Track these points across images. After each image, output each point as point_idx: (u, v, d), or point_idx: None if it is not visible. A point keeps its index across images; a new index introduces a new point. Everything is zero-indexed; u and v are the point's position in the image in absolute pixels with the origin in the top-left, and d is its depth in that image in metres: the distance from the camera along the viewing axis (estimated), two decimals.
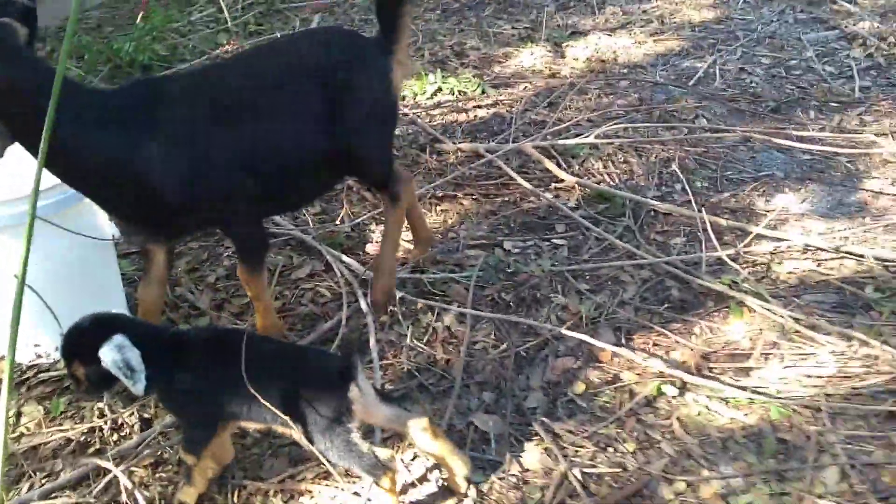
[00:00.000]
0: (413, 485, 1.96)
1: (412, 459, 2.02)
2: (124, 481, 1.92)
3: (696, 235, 2.79)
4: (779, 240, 2.70)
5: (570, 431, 2.09)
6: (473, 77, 4.13)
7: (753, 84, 3.87)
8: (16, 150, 1.98)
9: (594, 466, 1.98)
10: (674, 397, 2.17)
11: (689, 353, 2.29)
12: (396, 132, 3.59)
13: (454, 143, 3.51)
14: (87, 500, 1.93)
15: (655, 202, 2.97)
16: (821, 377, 2.17)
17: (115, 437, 2.16)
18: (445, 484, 1.94)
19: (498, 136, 3.58)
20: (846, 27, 4.35)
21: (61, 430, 2.18)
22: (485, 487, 1.95)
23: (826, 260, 2.62)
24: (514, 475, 1.98)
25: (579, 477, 1.95)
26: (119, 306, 2.49)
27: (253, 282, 2.20)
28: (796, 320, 2.33)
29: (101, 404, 2.23)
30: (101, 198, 2.05)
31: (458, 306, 2.54)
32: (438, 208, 3.12)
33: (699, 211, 2.86)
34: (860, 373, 2.16)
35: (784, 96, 3.73)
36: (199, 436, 1.83)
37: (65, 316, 1.83)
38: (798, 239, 2.70)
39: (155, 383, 1.75)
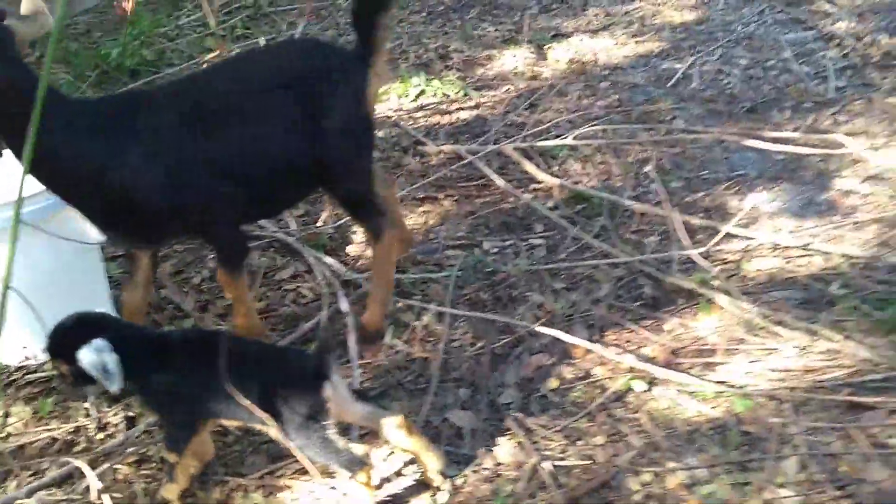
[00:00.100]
0: (389, 479, 2.02)
1: (389, 455, 2.09)
2: (94, 483, 1.98)
3: (670, 234, 2.85)
4: (749, 238, 2.77)
5: (543, 426, 2.16)
6: (457, 79, 4.19)
7: (731, 85, 3.93)
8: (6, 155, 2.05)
9: (564, 459, 2.05)
10: (643, 392, 2.23)
11: (659, 349, 2.36)
12: (380, 135, 3.67)
13: (436, 145, 3.57)
14: (70, 498, 1.99)
15: (631, 202, 3.04)
16: (785, 371, 2.24)
17: (101, 436, 2.23)
18: (421, 478, 2.01)
19: (479, 137, 3.64)
20: (823, 27, 4.42)
21: (48, 430, 2.24)
22: (459, 481, 2.01)
23: (795, 257, 2.69)
24: (487, 469, 2.05)
25: (550, 469, 2.01)
26: (105, 308, 2.55)
27: (233, 285, 2.26)
28: (764, 316, 2.40)
29: (86, 404, 2.30)
30: (83, 206, 2.11)
31: (437, 305, 2.61)
32: (420, 209, 3.18)
33: (673, 210, 2.92)
34: (823, 366, 2.23)
35: (760, 97, 3.80)
36: (179, 434, 1.89)
37: (52, 319, 1.89)
38: (768, 237, 2.77)
39: (136, 383, 1.82)
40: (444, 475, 1.99)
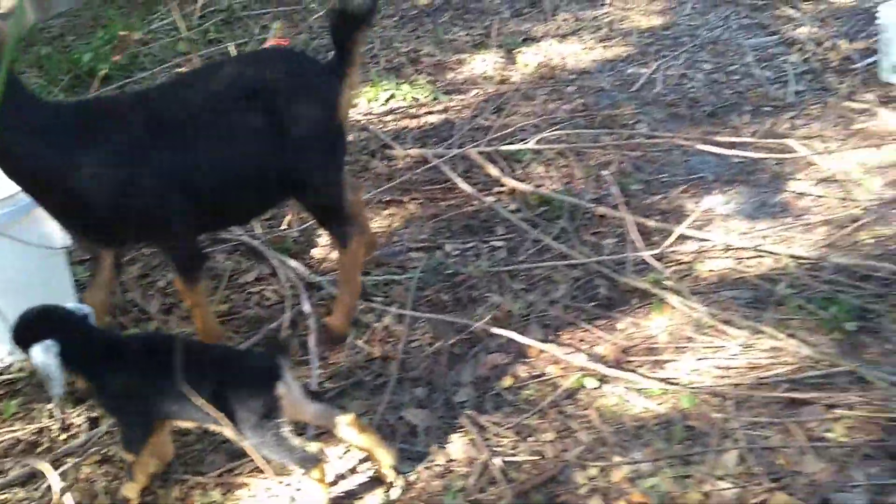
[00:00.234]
0: (344, 476, 2.08)
1: (345, 452, 2.15)
2: (56, 483, 2.02)
3: (626, 236, 2.93)
4: (703, 240, 2.85)
5: (496, 423, 2.22)
6: (427, 84, 4.26)
7: (693, 89, 4.02)
8: None
9: (515, 455, 2.12)
10: (594, 389, 2.30)
11: (610, 348, 2.43)
12: (349, 138, 3.72)
13: (404, 148, 3.63)
14: (31, 496, 2.03)
15: (590, 205, 3.12)
16: (730, 368, 2.31)
17: (64, 436, 2.27)
18: (375, 475, 2.07)
19: (447, 141, 3.71)
20: (786, 32, 4.52)
21: (12, 431, 2.29)
22: (412, 477, 2.07)
23: (746, 258, 2.77)
24: (439, 465, 2.11)
25: (500, 465, 2.08)
26: None
27: (189, 293, 2.30)
28: (712, 315, 2.48)
29: (50, 406, 2.34)
30: (43, 202, 2.17)
31: (399, 307, 2.67)
32: (385, 212, 3.25)
33: (627, 213, 3.00)
34: (766, 363, 2.31)
35: (721, 101, 3.88)
36: (136, 435, 1.94)
37: None
38: (721, 238, 2.85)
39: (93, 384, 1.87)
40: (398, 471, 2.05)
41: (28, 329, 1.84)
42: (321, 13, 5.13)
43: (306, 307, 2.63)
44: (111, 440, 2.22)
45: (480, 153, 3.48)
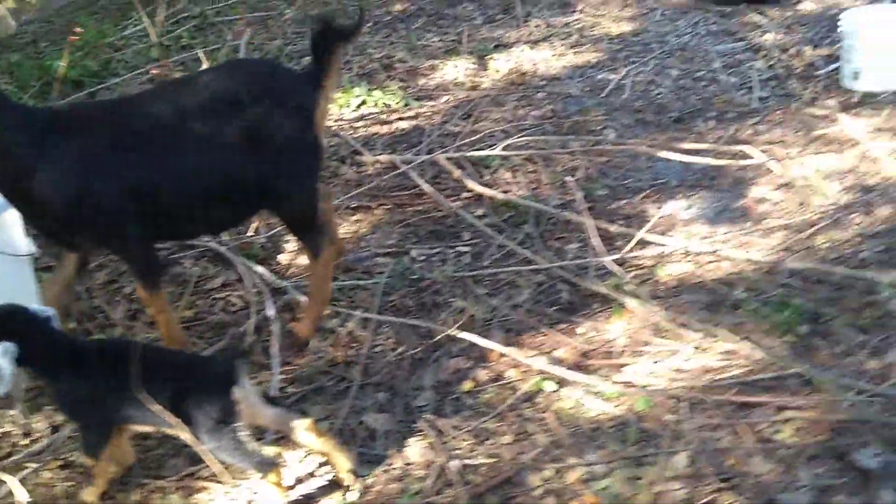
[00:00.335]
0: (302, 480, 2.11)
1: (305, 456, 2.17)
2: (20, 493, 2.04)
3: (590, 241, 2.97)
4: (663, 245, 2.90)
5: (454, 426, 2.26)
6: (399, 90, 4.29)
7: (660, 95, 4.08)
8: None
9: (472, 458, 2.15)
10: (552, 392, 2.34)
11: (570, 352, 2.47)
12: None
13: (373, 155, 3.66)
14: None
15: (555, 210, 3.16)
16: (685, 371, 2.36)
17: (26, 441, 2.29)
18: (333, 478, 2.09)
19: (416, 147, 3.74)
20: (753, 39, 4.60)
21: None
22: (369, 480, 2.10)
23: (705, 263, 2.82)
24: (397, 468, 2.14)
25: (458, 468, 2.11)
26: None
27: (151, 301, 2.32)
28: (669, 319, 2.53)
29: (12, 412, 2.35)
30: (9, 197, 2.20)
31: (364, 312, 2.70)
32: (353, 218, 3.28)
33: (588, 218, 3.04)
34: (720, 366, 2.35)
35: (688, 107, 3.95)
36: (95, 439, 1.96)
37: None
38: (681, 243, 2.90)
39: (51, 389, 1.88)
40: (356, 475, 2.08)
41: None
42: (293, 18, 5.16)
43: (271, 312, 2.65)
44: (73, 445, 2.23)
45: (449, 159, 3.52)
